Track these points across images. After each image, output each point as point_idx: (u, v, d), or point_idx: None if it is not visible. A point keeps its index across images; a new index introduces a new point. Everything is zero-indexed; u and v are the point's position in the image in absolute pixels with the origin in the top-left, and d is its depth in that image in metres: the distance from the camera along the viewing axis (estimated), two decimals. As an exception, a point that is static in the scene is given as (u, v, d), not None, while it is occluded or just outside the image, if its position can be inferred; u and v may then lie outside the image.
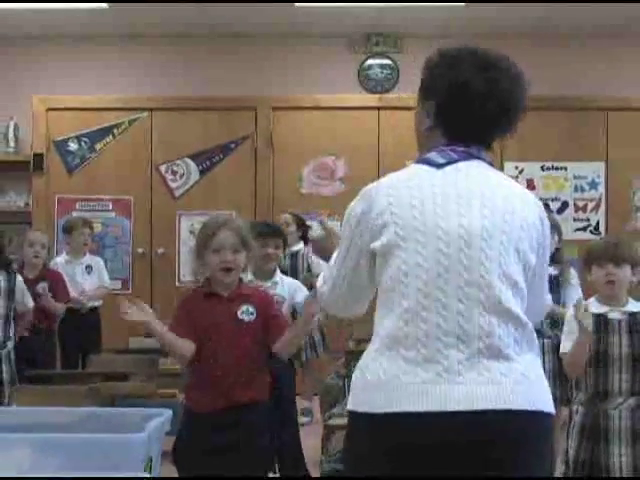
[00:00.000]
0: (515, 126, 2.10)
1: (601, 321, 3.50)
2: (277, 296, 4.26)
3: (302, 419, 6.22)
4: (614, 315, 3.51)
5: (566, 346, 3.55)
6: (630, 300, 3.58)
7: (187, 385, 3.37)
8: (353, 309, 2.16)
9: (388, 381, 1.89)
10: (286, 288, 4.33)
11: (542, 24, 7.22)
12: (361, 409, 1.92)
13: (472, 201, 1.96)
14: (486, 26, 7.28)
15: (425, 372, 1.87)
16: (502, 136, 2.10)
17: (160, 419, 2.16)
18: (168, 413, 2.24)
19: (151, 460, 2.03)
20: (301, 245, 6.25)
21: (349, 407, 1.97)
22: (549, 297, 5.11)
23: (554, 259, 4.60)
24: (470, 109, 2.03)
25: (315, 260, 6.02)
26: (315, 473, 4.45)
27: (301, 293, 4.32)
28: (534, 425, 1.91)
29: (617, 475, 3.39)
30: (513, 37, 7.42)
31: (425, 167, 2.03)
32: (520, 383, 1.89)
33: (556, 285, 4.57)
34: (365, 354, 1.98)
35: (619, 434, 3.42)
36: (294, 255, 6.11)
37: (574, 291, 4.51)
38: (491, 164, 2.08)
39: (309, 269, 6.08)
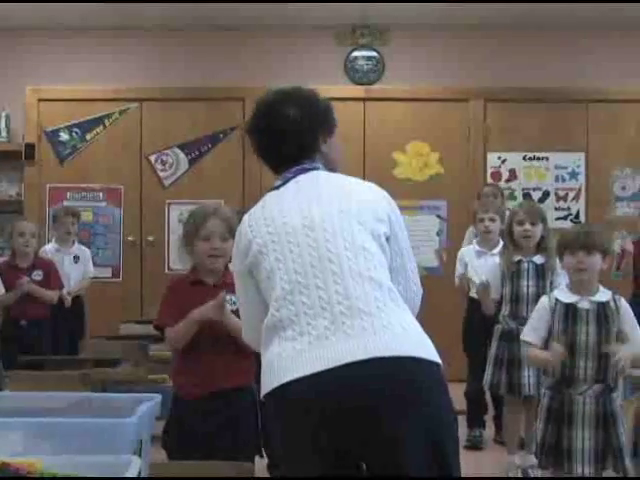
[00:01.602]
0: (322, 138, 2.39)
1: (570, 310, 3.60)
2: None
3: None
4: (583, 304, 3.60)
5: (528, 334, 3.67)
6: (600, 288, 3.66)
7: (174, 371, 3.42)
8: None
9: (272, 360, 2.15)
10: None
11: (525, 17, 7.27)
12: (263, 392, 2.17)
13: (310, 200, 2.27)
14: (470, 19, 7.36)
15: (300, 344, 2.11)
16: (313, 150, 2.39)
17: (150, 403, 2.20)
18: (158, 398, 2.29)
19: (141, 444, 2.09)
20: None
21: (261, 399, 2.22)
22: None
23: (540, 247, 4.73)
24: (266, 150, 2.42)
25: None
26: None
27: None
28: (401, 369, 2.07)
29: (579, 458, 3.50)
30: (497, 30, 7.53)
31: (271, 192, 2.38)
32: (381, 333, 2.08)
33: (542, 272, 4.65)
34: None
35: (583, 419, 3.51)
36: None
37: (560, 278, 4.59)
38: (331, 170, 2.40)
39: None
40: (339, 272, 2.14)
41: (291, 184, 2.34)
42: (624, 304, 3.64)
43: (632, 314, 3.65)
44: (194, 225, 3.33)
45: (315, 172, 2.37)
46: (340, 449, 2.08)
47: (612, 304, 3.62)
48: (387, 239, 2.28)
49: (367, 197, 2.31)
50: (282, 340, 2.14)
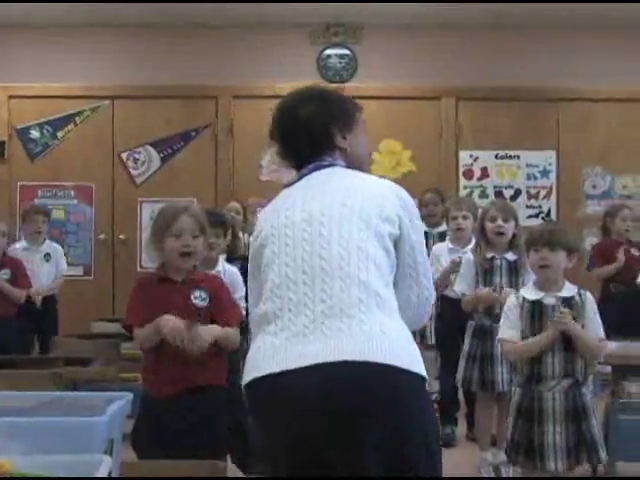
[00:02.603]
0: (338, 134, 2.35)
1: (536, 307, 3.63)
2: None
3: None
4: (549, 300, 3.62)
5: (506, 332, 3.69)
6: (566, 284, 3.69)
7: (144, 369, 3.40)
8: None
9: (253, 354, 2.13)
10: (227, 278, 4.25)
11: (498, 16, 7.31)
12: (243, 384, 2.15)
13: (314, 194, 2.22)
14: (443, 18, 7.38)
15: (278, 340, 2.07)
16: (329, 147, 2.34)
17: (121, 402, 2.21)
18: (129, 396, 2.29)
19: (112, 443, 2.08)
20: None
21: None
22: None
23: (512, 244, 4.75)
24: (285, 152, 2.39)
25: None
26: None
27: (238, 287, 4.33)
28: (369, 376, 1.99)
29: (551, 454, 3.52)
30: (469, 29, 7.56)
31: (285, 189, 2.35)
32: (357, 337, 2.01)
33: (515, 270, 4.68)
34: None
35: (553, 414, 3.54)
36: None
37: (529, 276, 4.61)
38: (348, 167, 2.33)
39: None
40: (328, 270, 2.09)
41: (304, 180, 2.31)
42: (589, 298, 3.68)
43: (596, 309, 3.69)
44: (165, 222, 3.32)
45: (331, 169, 2.32)
46: (305, 446, 2.04)
47: (577, 298, 3.65)
48: (396, 240, 2.19)
49: (374, 192, 2.23)
50: (264, 334, 2.12)
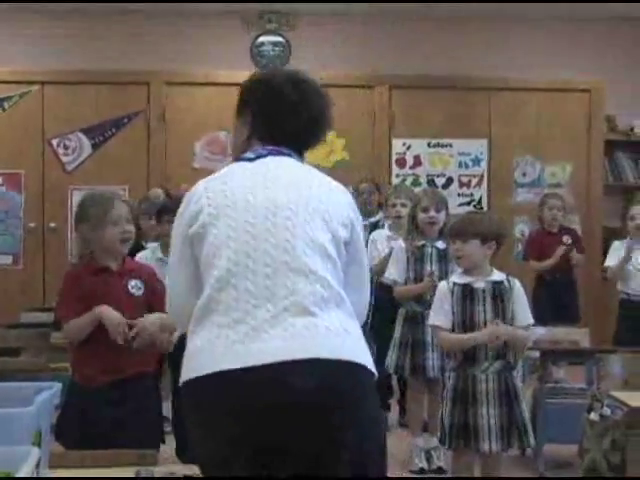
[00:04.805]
0: (323, 138, 2.33)
1: (467, 290, 3.70)
2: None
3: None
4: (479, 284, 3.70)
5: (437, 318, 3.74)
6: (494, 271, 3.77)
7: (76, 360, 3.35)
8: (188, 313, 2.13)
9: (203, 347, 1.99)
10: None
11: (430, 6, 7.36)
12: (185, 378, 2.02)
13: (278, 182, 2.14)
14: (376, 7, 7.40)
15: (235, 333, 1.96)
16: (311, 146, 2.31)
17: (49, 392, 2.19)
18: (58, 386, 2.27)
19: (40, 434, 2.06)
20: None
21: (180, 384, 2.06)
22: None
23: (442, 233, 4.80)
24: (283, 115, 2.25)
25: None
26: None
27: None
28: (338, 373, 1.97)
29: (486, 435, 3.59)
30: (402, 19, 7.60)
31: (237, 163, 2.24)
32: (323, 336, 1.97)
33: (445, 257, 4.73)
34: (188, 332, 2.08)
35: (487, 397, 3.61)
36: None
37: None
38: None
39: None
40: (292, 265, 2.02)
41: (262, 162, 2.20)
42: (517, 284, 3.76)
43: (524, 296, 3.78)
44: (103, 209, 3.27)
45: (288, 158, 2.24)
46: (262, 446, 1.96)
47: (506, 284, 3.72)
48: (346, 245, 2.17)
49: (336, 196, 2.19)
50: (214, 326, 2.00)
